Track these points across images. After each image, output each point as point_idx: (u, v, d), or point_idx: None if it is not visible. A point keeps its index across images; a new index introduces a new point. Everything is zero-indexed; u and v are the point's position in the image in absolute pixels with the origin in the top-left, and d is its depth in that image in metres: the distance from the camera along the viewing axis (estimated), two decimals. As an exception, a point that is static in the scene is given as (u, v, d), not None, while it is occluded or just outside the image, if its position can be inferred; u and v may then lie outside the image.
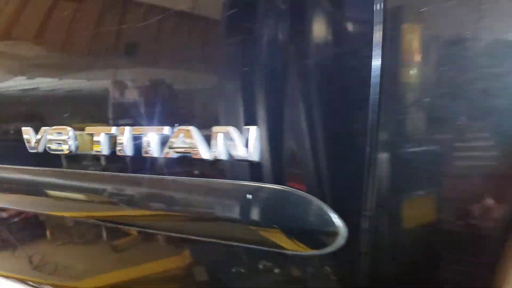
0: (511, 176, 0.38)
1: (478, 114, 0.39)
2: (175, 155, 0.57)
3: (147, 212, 0.64)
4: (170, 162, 0.58)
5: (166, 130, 0.57)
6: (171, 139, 0.56)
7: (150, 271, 0.67)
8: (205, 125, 0.53)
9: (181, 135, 0.55)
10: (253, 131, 0.50)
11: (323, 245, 0.48)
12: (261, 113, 0.50)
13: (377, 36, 0.42)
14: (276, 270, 0.54)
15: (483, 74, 0.39)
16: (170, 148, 0.56)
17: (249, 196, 0.51)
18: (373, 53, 0.42)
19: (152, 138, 0.58)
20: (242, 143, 0.50)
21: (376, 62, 0.42)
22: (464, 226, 0.40)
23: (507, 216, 0.39)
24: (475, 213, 0.40)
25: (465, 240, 0.41)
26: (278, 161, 0.50)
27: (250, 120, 0.50)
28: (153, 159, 0.59)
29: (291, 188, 0.49)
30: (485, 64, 0.39)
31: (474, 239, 0.40)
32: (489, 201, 0.39)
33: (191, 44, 0.58)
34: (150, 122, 0.59)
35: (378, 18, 0.42)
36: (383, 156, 0.43)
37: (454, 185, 0.41)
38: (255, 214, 0.52)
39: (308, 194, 0.47)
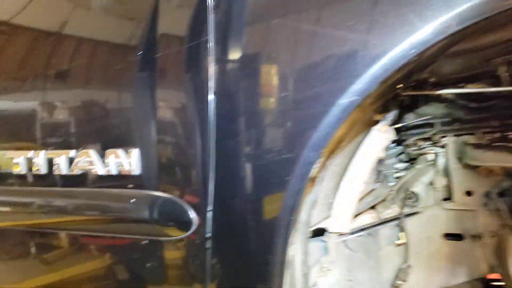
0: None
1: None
2: (79, 172, 0.75)
3: (61, 218, 0.81)
4: (76, 177, 0.76)
5: (72, 153, 0.75)
6: (76, 159, 0.75)
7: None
8: (101, 148, 0.73)
9: (84, 156, 0.74)
10: (135, 152, 0.70)
11: (186, 230, 0.69)
12: (139, 138, 0.70)
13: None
14: (158, 252, 0.73)
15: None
16: (75, 166, 0.75)
17: (132, 200, 0.71)
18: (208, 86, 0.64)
19: (61, 159, 0.76)
20: (127, 161, 0.71)
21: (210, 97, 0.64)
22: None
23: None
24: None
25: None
26: (152, 174, 0.70)
27: (132, 144, 0.71)
28: (63, 176, 0.77)
29: (162, 193, 0.70)
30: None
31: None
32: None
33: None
34: (59, 146, 0.77)
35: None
36: (219, 165, 0.65)
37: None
38: (138, 213, 0.72)
39: (173, 196, 0.69)
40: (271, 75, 0.64)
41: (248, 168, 0.64)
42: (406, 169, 1.06)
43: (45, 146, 0.79)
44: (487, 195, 0.90)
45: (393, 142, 1.01)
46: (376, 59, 0.55)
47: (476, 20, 0.51)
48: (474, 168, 0.90)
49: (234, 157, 0.65)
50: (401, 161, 1.09)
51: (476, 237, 0.90)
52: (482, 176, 0.91)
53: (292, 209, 0.61)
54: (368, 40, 0.57)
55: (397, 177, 1.05)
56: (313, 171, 0.61)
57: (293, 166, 0.61)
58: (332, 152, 0.77)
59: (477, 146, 0.86)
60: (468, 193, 0.92)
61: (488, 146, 0.85)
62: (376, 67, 0.56)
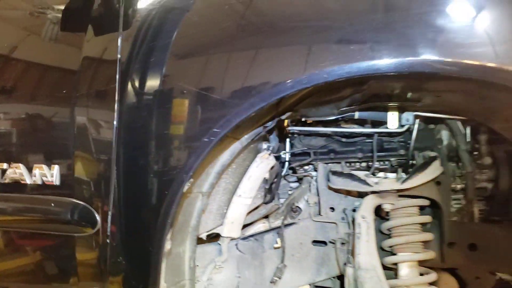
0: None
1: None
2: (11, 181, 0.95)
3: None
4: (9, 185, 0.95)
5: (5, 165, 0.95)
6: (8, 170, 0.94)
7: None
8: (29, 163, 0.93)
9: (14, 169, 0.94)
10: (55, 167, 0.91)
11: (92, 228, 0.89)
12: (58, 155, 0.91)
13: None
14: (72, 244, 0.93)
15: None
16: (7, 176, 0.94)
17: (53, 205, 0.92)
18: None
19: (-5, 170, 0.95)
20: (49, 174, 0.91)
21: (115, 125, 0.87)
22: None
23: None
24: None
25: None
26: (68, 185, 0.91)
27: (53, 160, 0.91)
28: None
29: (75, 200, 0.90)
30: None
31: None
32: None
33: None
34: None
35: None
36: (118, 180, 0.87)
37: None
38: (57, 215, 0.92)
39: (81, 202, 0.89)
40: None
41: (138, 183, 0.87)
42: (296, 188, 1.32)
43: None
44: (343, 211, 1.16)
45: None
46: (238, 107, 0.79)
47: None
48: (336, 190, 1.16)
49: (129, 175, 0.87)
50: (294, 181, 1.35)
51: (334, 243, 1.16)
52: (342, 196, 1.17)
53: (168, 216, 0.84)
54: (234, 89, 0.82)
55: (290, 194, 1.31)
56: (185, 188, 0.84)
57: (170, 184, 0.83)
58: (222, 173, 1.01)
59: (335, 173, 1.13)
60: (332, 209, 1.18)
61: (342, 174, 1.12)
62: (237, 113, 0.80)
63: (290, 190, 1.34)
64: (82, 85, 0.94)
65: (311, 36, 0.80)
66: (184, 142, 0.84)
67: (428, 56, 0.70)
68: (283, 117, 1.03)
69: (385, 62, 0.72)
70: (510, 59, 0.68)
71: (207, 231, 1.11)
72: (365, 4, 0.79)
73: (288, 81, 0.77)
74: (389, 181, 1.04)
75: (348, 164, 1.20)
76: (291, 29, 0.82)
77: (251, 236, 1.23)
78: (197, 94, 0.84)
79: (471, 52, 0.69)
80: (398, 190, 1.02)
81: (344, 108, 1.08)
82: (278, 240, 1.21)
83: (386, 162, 1.15)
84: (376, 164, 1.12)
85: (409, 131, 1.10)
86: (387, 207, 1.03)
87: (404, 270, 1.02)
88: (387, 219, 1.08)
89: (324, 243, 1.21)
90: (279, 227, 1.23)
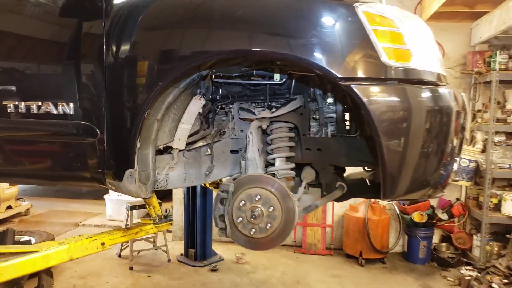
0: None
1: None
2: (44, 112, 1.62)
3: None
4: (43, 115, 1.63)
5: (40, 103, 1.62)
6: (42, 106, 1.62)
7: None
8: (55, 101, 1.60)
9: (46, 105, 1.61)
10: (71, 104, 1.59)
11: (94, 137, 1.60)
12: (71, 96, 1.59)
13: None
14: (82, 148, 1.64)
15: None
16: (42, 109, 1.62)
17: (71, 125, 1.61)
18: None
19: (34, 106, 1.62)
20: (67, 108, 1.60)
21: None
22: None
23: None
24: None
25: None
26: (78, 113, 1.60)
27: (69, 98, 1.60)
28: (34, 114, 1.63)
29: (82, 122, 1.60)
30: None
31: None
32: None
33: None
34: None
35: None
36: (109, 110, 1.57)
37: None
38: (73, 130, 1.62)
39: (87, 123, 1.59)
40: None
41: (119, 113, 1.57)
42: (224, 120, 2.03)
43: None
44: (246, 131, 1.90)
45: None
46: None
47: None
48: (243, 119, 1.88)
49: (113, 108, 1.57)
50: (222, 115, 2.06)
51: (240, 150, 1.92)
52: (247, 123, 1.90)
53: (137, 131, 1.54)
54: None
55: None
56: (145, 115, 1.54)
57: (136, 113, 1.53)
58: (169, 108, 1.71)
59: (242, 109, 1.85)
60: (241, 131, 1.92)
61: (244, 109, 1.83)
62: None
63: (221, 121, 2.06)
64: (84, 50, 1.59)
65: (213, 27, 1.49)
66: (144, 88, 1.53)
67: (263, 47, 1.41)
68: (203, 73, 1.71)
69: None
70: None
71: (163, 144, 1.83)
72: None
73: (198, 55, 1.47)
74: (265, 112, 1.77)
75: (256, 104, 1.92)
76: (207, 20, 1.50)
77: (193, 149, 1.96)
78: (152, 59, 1.52)
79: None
80: (271, 117, 1.76)
81: (244, 68, 1.77)
82: (209, 150, 1.95)
83: (280, 102, 1.86)
84: (274, 103, 1.83)
85: (287, 82, 1.81)
86: (264, 127, 1.78)
87: (277, 162, 1.79)
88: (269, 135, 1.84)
89: (237, 151, 1.96)
90: (210, 143, 1.97)
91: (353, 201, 4.44)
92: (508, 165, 3.62)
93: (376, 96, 1.34)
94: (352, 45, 1.37)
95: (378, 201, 4.20)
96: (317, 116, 1.83)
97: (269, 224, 1.55)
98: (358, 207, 4.22)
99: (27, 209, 5.88)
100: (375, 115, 1.32)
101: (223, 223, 1.62)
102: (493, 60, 3.59)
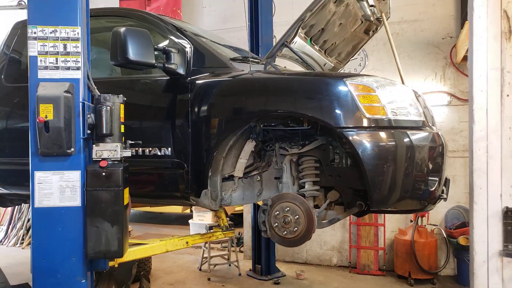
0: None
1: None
2: (151, 154, 2.56)
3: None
4: (150, 156, 2.57)
5: (150, 148, 2.57)
6: (150, 149, 2.56)
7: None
8: (157, 145, 2.54)
9: (151, 148, 2.55)
10: (169, 148, 2.51)
11: (183, 169, 2.48)
12: (167, 141, 2.51)
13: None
14: (176, 178, 2.53)
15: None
16: (150, 152, 2.56)
17: (169, 162, 2.52)
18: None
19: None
20: (165, 150, 2.52)
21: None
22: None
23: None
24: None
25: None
26: (172, 154, 2.50)
27: (165, 144, 2.52)
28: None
29: (175, 159, 2.50)
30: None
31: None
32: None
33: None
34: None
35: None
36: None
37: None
38: (169, 165, 2.53)
39: (178, 160, 2.49)
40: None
41: (198, 154, 2.43)
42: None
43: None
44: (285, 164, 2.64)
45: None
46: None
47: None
48: (282, 154, 2.64)
49: (195, 152, 2.44)
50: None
51: (280, 178, 2.66)
52: (287, 157, 2.65)
53: (210, 166, 2.38)
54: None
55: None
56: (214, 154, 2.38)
57: (209, 152, 2.38)
58: (231, 149, 2.53)
59: (281, 147, 2.61)
60: (281, 162, 2.67)
61: (284, 147, 2.59)
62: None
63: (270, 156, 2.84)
64: (178, 112, 2.52)
65: (267, 95, 2.31)
66: (214, 136, 2.38)
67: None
68: (252, 124, 2.51)
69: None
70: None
71: (227, 173, 2.64)
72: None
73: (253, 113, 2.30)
74: (295, 149, 2.50)
75: (293, 143, 2.66)
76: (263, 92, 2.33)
77: (249, 176, 2.75)
78: (221, 117, 2.38)
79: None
80: (299, 153, 2.48)
81: (281, 120, 2.55)
82: (259, 177, 2.73)
83: (309, 141, 2.57)
84: (307, 142, 2.55)
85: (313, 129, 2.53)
86: (294, 160, 2.52)
87: (306, 185, 2.49)
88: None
89: (279, 178, 2.70)
90: (260, 172, 2.74)
91: (403, 225, 4.82)
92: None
93: (359, 137, 2.01)
94: (343, 105, 2.08)
95: (425, 225, 4.53)
96: (338, 151, 2.52)
97: (296, 228, 2.25)
98: (407, 231, 4.59)
99: (129, 231, 7.17)
100: (357, 147, 2.00)
101: (265, 226, 2.35)
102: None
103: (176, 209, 8.03)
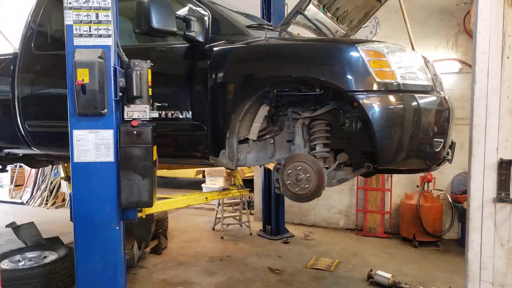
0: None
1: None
2: (173, 117, 2.74)
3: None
4: (172, 119, 2.75)
5: (173, 111, 2.74)
6: (172, 112, 2.74)
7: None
8: (180, 109, 2.71)
9: (174, 112, 2.73)
10: (190, 111, 2.68)
11: (203, 131, 2.67)
12: (189, 105, 2.68)
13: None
14: (197, 138, 2.72)
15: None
16: (172, 115, 2.74)
17: (190, 124, 2.70)
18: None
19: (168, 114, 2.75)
20: (187, 114, 2.69)
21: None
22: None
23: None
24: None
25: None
26: (193, 117, 2.68)
27: (189, 107, 2.69)
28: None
29: (196, 122, 2.68)
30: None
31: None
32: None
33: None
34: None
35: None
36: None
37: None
38: (191, 127, 2.71)
39: (199, 123, 2.67)
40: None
41: (217, 118, 2.61)
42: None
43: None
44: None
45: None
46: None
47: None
48: (295, 118, 2.79)
49: (213, 115, 2.61)
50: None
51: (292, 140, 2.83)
52: (300, 121, 2.81)
53: (227, 128, 2.55)
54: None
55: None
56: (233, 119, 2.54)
57: (227, 116, 2.55)
58: (246, 113, 2.69)
59: (293, 112, 2.76)
60: (293, 126, 2.84)
61: (296, 112, 2.75)
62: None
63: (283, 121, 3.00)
64: (197, 78, 2.67)
65: (281, 60, 2.45)
66: (231, 101, 2.54)
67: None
68: (267, 89, 2.66)
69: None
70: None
71: (243, 136, 2.82)
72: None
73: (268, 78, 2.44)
74: (307, 113, 2.65)
75: (305, 108, 2.81)
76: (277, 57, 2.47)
77: (262, 139, 2.93)
78: (237, 82, 2.53)
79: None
80: (311, 116, 2.64)
81: (295, 85, 2.69)
82: (272, 140, 2.90)
83: (320, 106, 2.72)
84: (318, 107, 2.70)
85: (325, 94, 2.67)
86: (306, 123, 2.67)
87: (317, 147, 2.66)
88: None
89: (291, 141, 2.87)
90: (273, 136, 2.91)
91: (409, 190, 5.01)
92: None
93: (369, 100, 2.16)
94: (354, 70, 2.21)
95: (431, 190, 4.72)
96: (348, 115, 2.66)
97: (307, 185, 2.45)
98: (413, 195, 4.79)
99: (144, 195, 7.50)
100: (367, 110, 2.15)
101: (278, 184, 2.55)
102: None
103: (189, 173, 8.34)
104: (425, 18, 4.96)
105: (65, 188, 6.78)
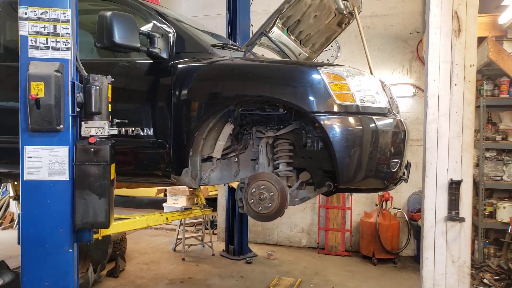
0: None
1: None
2: (133, 134, 2.67)
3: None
4: (133, 136, 2.67)
5: (133, 128, 2.67)
6: (133, 129, 2.67)
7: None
8: (140, 126, 2.65)
9: (135, 129, 2.66)
10: (152, 128, 2.62)
11: (164, 149, 2.61)
12: (149, 123, 2.63)
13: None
14: (158, 157, 2.65)
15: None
16: (132, 132, 2.67)
17: (151, 141, 2.64)
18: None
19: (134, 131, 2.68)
20: (148, 131, 2.63)
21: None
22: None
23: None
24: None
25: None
26: (154, 134, 2.63)
27: (148, 124, 2.63)
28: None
29: (157, 139, 2.62)
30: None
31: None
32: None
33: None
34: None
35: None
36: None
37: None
38: (151, 144, 2.64)
39: (161, 140, 2.61)
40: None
41: (179, 136, 2.57)
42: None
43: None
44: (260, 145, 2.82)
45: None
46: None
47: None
48: (258, 137, 2.81)
49: (175, 133, 2.57)
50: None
51: (256, 159, 2.83)
52: (264, 139, 2.82)
53: (190, 146, 2.52)
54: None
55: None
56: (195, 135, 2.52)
57: (191, 133, 2.52)
58: (210, 131, 2.68)
59: (257, 131, 2.77)
60: (258, 145, 2.84)
61: (260, 131, 2.76)
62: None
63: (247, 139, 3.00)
64: (160, 94, 2.63)
65: (247, 80, 2.47)
66: (195, 119, 2.51)
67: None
68: (231, 108, 2.66)
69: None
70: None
71: (207, 154, 2.79)
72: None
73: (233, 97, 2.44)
74: (271, 132, 2.68)
75: (269, 127, 2.83)
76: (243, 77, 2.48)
77: (226, 158, 2.91)
78: (201, 100, 2.51)
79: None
80: (275, 136, 2.66)
81: (258, 104, 2.71)
82: (237, 159, 2.89)
83: (283, 125, 2.75)
84: (281, 127, 2.72)
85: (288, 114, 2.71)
86: (269, 142, 2.69)
87: (280, 166, 2.68)
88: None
89: (255, 159, 2.88)
90: (237, 154, 2.90)
91: (368, 209, 5.15)
92: (499, 177, 4.18)
93: (330, 121, 2.22)
94: (316, 92, 2.27)
95: (389, 209, 4.87)
96: (310, 135, 2.71)
97: (270, 204, 2.45)
98: (372, 214, 4.92)
99: (101, 215, 7.17)
100: (328, 130, 2.20)
101: (241, 203, 2.53)
102: (482, 88, 4.22)
103: (150, 192, 8.10)
104: (382, 44, 5.23)
105: (14, 207, 6.36)
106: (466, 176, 1.95)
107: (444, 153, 1.97)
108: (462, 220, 1.93)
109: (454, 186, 1.94)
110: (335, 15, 3.31)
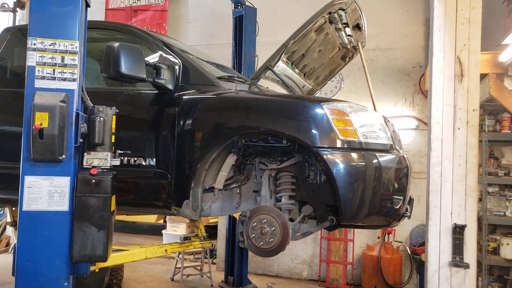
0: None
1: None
2: (136, 163, 2.65)
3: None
4: (135, 165, 2.66)
5: (136, 158, 2.66)
6: (136, 159, 2.65)
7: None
8: (142, 155, 2.64)
9: (137, 158, 2.65)
10: (154, 159, 2.61)
11: (166, 179, 2.59)
12: (151, 153, 2.62)
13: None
14: (160, 187, 2.62)
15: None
16: (135, 161, 2.66)
17: (152, 171, 2.62)
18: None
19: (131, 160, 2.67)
20: (150, 161, 2.62)
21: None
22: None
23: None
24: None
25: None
26: (156, 164, 2.61)
27: (151, 155, 2.62)
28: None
29: (159, 170, 2.60)
30: None
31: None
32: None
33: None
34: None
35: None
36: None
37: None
38: (153, 175, 2.62)
39: (162, 170, 2.59)
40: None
41: (182, 166, 2.55)
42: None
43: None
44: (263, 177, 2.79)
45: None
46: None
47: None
48: (261, 169, 2.79)
49: (178, 164, 2.56)
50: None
51: (258, 191, 2.80)
52: (266, 171, 2.80)
53: (192, 177, 2.50)
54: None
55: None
56: (198, 166, 2.50)
57: (193, 163, 2.51)
58: (213, 161, 2.66)
59: (260, 162, 2.76)
60: (260, 177, 2.82)
61: (263, 163, 2.75)
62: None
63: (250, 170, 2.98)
64: (164, 125, 2.63)
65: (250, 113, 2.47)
66: (198, 149, 2.51)
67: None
68: (235, 139, 2.66)
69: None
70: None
71: (208, 185, 2.77)
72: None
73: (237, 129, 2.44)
74: (274, 164, 2.66)
75: (272, 159, 2.82)
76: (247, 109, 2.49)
77: (228, 189, 2.88)
78: (205, 131, 2.51)
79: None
80: (278, 168, 2.64)
81: (262, 136, 2.71)
82: (239, 190, 2.86)
83: (287, 158, 2.74)
84: (285, 159, 2.71)
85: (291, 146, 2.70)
86: (272, 174, 2.67)
87: (283, 199, 2.64)
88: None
89: (257, 191, 2.85)
90: (239, 185, 2.87)
91: (371, 241, 5.05)
92: (503, 213, 4.11)
93: (333, 157, 2.20)
94: (319, 127, 2.27)
95: (391, 242, 4.78)
96: (313, 168, 2.69)
97: (272, 239, 2.40)
98: (374, 247, 4.82)
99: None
100: (331, 166, 2.18)
101: (242, 237, 2.48)
102: (484, 123, 4.22)
103: (149, 219, 8.00)
104: (385, 77, 5.29)
105: (11, 232, 6.27)
106: (470, 220, 1.91)
107: (448, 196, 1.95)
108: (467, 266, 1.88)
109: (458, 231, 1.90)
110: (339, 49, 3.36)
